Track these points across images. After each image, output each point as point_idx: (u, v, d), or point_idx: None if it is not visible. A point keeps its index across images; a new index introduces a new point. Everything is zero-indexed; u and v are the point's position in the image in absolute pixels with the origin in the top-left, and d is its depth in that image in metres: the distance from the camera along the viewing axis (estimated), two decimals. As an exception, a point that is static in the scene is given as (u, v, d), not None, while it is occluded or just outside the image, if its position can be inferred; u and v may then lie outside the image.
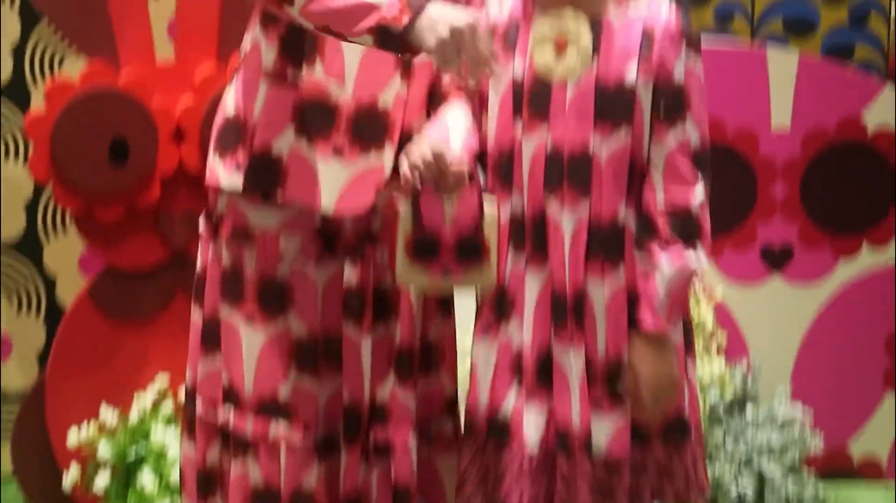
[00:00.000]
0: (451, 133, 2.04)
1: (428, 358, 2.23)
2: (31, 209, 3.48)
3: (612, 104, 2.05)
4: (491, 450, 2.12)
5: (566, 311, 2.06)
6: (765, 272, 3.49)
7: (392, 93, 2.10)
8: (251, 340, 2.13)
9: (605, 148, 2.04)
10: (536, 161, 2.07)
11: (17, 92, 3.42)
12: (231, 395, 2.16)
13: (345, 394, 2.15)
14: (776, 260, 3.51)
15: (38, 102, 3.32)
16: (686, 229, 2.05)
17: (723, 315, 3.42)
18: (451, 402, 2.26)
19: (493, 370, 2.10)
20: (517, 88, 2.09)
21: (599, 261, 2.06)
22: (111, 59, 3.06)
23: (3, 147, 3.43)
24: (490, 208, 2.01)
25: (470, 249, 1.98)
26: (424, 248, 1.97)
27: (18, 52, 3.41)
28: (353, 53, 2.08)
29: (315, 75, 2.10)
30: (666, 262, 2.03)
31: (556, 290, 2.06)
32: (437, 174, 1.93)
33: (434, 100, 2.16)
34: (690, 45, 2.08)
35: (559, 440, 2.07)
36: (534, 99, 2.07)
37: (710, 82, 3.09)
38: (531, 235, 2.08)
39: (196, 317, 2.22)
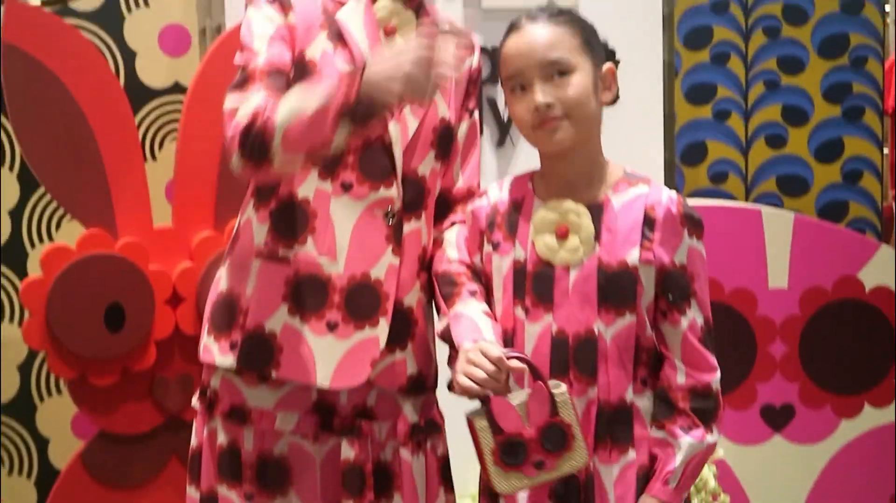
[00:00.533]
0: (481, 327, 2.05)
1: None
2: (24, 370, 3.45)
3: (615, 287, 2.05)
4: None
5: (578, 491, 2.06)
6: (766, 432, 3.46)
7: (384, 266, 2.12)
8: None
9: (611, 330, 2.05)
10: (541, 347, 2.07)
11: (15, 255, 3.41)
12: None
13: None
14: (777, 419, 3.48)
15: (34, 266, 3.31)
16: (706, 409, 2.07)
17: (725, 474, 3.39)
18: None
19: None
20: (519, 272, 2.10)
21: (608, 443, 2.05)
22: (108, 225, 3.07)
23: None
24: (558, 389, 2.00)
25: (554, 437, 1.97)
26: (511, 452, 1.96)
27: (16, 216, 3.41)
28: (343, 229, 2.11)
29: (307, 252, 2.12)
30: (685, 438, 2.05)
31: None
32: (499, 377, 1.94)
33: (427, 269, 2.18)
34: (692, 226, 2.09)
35: None
36: (537, 283, 2.08)
37: (707, 241, 3.16)
38: None
39: (192, 493, 2.19)
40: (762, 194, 3.75)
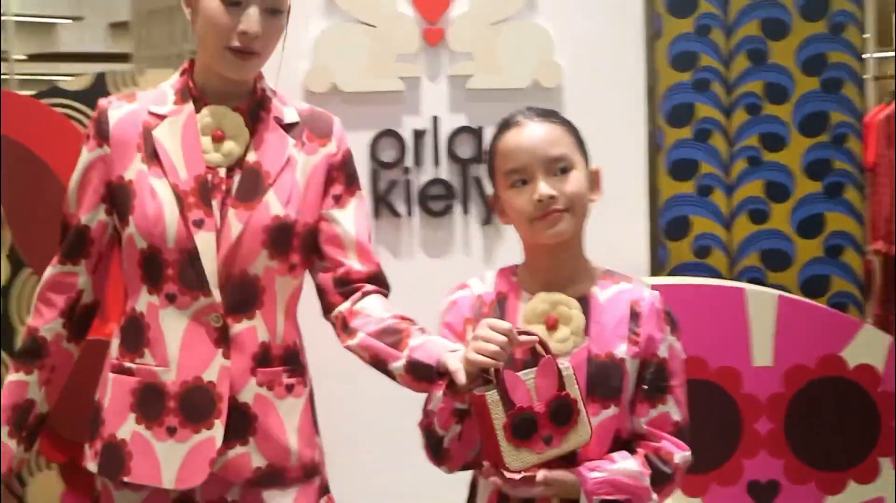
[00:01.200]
0: (454, 341, 2.15)
1: None
2: None
3: (603, 379, 2.09)
4: None
5: None
6: (752, 507, 3.47)
7: (216, 368, 2.25)
8: None
9: (595, 421, 2.06)
10: None
11: (3, 332, 3.35)
12: None
13: None
14: (763, 495, 3.46)
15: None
16: (661, 472, 2.10)
17: (712, 549, 3.38)
18: None
19: None
20: (525, 361, 2.09)
21: None
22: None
23: None
24: (563, 364, 2.04)
25: (562, 412, 2.01)
26: (522, 426, 1.98)
27: (4, 295, 3.36)
28: (173, 338, 2.26)
29: (145, 362, 2.29)
30: (630, 459, 2.09)
31: None
32: (508, 349, 1.99)
33: (266, 361, 2.29)
34: (672, 325, 2.15)
35: None
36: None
37: (692, 319, 3.08)
38: None
39: None
40: (745, 268, 3.78)
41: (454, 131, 3.48)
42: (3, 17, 7.00)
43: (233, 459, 2.25)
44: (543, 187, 2.07)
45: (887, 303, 5.52)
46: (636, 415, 2.12)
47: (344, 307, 2.31)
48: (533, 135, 2.12)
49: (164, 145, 2.27)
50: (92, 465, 2.31)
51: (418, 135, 3.47)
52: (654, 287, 3.23)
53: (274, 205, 2.27)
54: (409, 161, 3.47)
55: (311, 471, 2.34)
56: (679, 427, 2.14)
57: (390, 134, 3.45)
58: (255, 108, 2.32)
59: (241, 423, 2.26)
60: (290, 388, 2.31)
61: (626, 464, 2.08)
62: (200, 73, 2.33)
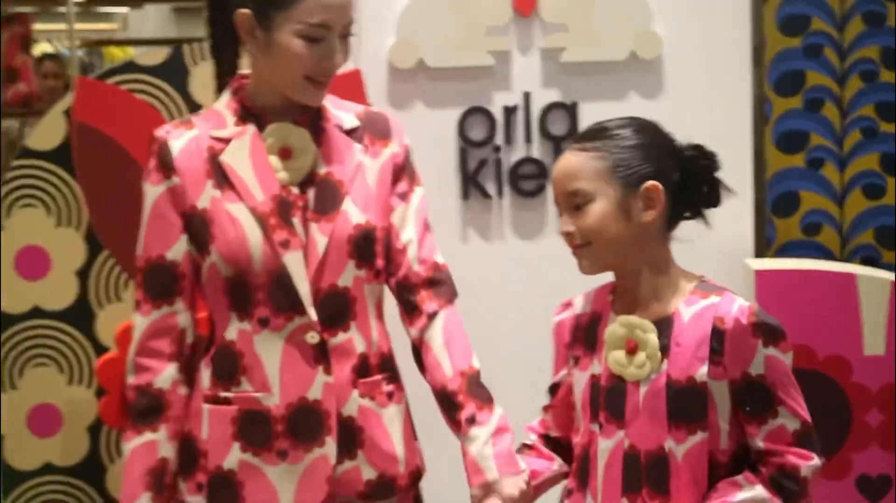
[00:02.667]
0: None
1: None
2: (94, 432, 3.47)
3: (685, 404, 2.10)
4: None
5: None
6: (862, 503, 3.43)
7: (319, 386, 2.28)
8: None
9: (682, 448, 2.08)
10: (613, 462, 2.13)
11: (82, 316, 3.44)
12: None
13: None
14: (874, 490, 3.44)
15: (102, 326, 3.41)
16: (789, 489, 2.08)
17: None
18: None
19: None
20: (594, 387, 2.17)
21: None
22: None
23: (68, 370, 3.46)
24: None
25: None
26: None
27: (83, 277, 3.45)
28: (271, 362, 2.28)
29: (244, 390, 2.30)
30: (757, 486, 2.08)
31: None
32: None
33: (365, 372, 2.33)
34: (768, 336, 2.09)
35: None
36: (609, 399, 2.15)
37: (800, 306, 3.21)
38: None
39: None
40: (858, 247, 3.69)
41: (546, 107, 3.50)
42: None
43: (343, 475, 2.30)
44: (561, 224, 2.16)
45: None
46: (750, 436, 2.11)
47: (414, 335, 2.37)
48: (558, 169, 2.19)
49: (235, 169, 2.30)
50: (196, 500, 2.32)
51: (509, 111, 3.49)
52: (757, 272, 3.40)
53: (353, 213, 2.30)
54: (499, 139, 3.50)
55: (417, 478, 2.40)
56: (800, 434, 2.10)
57: (479, 111, 3.49)
58: (316, 119, 2.35)
59: (348, 437, 2.30)
60: (390, 396, 2.35)
61: (747, 494, 2.08)
62: (257, 91, 2.35)
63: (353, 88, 3.15)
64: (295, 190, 2.31)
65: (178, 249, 2.32)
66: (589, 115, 3.45)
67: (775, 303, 3.34)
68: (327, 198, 2.31)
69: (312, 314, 2.27)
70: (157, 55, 3.38)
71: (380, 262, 2.35)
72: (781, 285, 3.40)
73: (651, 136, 2.17)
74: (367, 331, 2.34)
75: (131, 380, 2.34)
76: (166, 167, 2.31)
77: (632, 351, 2.13)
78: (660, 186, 2.12)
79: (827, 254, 3.68)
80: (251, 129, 2.32)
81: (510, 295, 3.53)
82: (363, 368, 2.32)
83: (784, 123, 3.65)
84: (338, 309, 2.31)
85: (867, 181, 3.67)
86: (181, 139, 2.33)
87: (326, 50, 2.27)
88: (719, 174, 2.18)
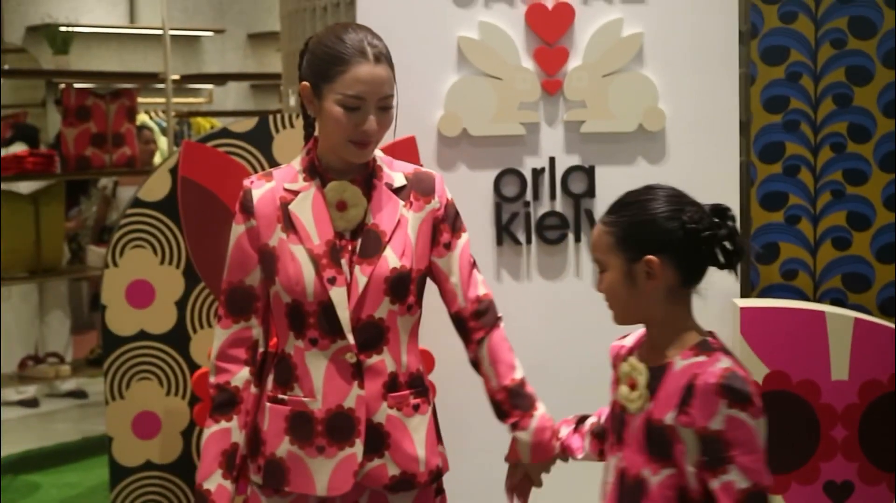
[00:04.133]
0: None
1: None
2: (187, 436, 3.78)
3: (657, 441, 2.22)
4: None
5: None
6: (828, 505, 3.61)
7: (353, 397, 2.53)
8: None
9: (656, 478, 2.22)
10: (614, 480, 2.32)
11: (180, 338, 3.76)
12: None
13: None
14: (838, 494, 3.61)
15: (196, 348, 3.72)
16: None
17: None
18: None
19: None
20: (616, 413, 2.36)
21: None
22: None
23: (167, 383, 3.77)
24: None
25: None
26: None
27: (181, 305, 3.77)
28: (318, 374, 2.54)
29: (296, 394, 2.56)
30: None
31: None
32: None
33: (394, 387, 2.57)
34: (733, 398, 2.12)
35: None
36: (616, 423, 2.34)
37: (776, 338, 3.36)
38: None
39: None
40: (828, 290, 3.83)
41: (568, 169, 3.64)
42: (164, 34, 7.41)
43: (371, 470, 2.54)
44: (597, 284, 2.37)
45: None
46: (708, 483, 2.15)
47: (470, 357, 2.66)
48: (591, 239, 2.40)
49: (299, 217, 2.53)
50: (257, 478, 2.58)
51: (537, 173, 3.63)
52: (742, 309, 3.50)
53: (392, 259, 2.53)
54: (528, 195, 3.63)
55: (437, 476, 2.62)
56: (747, 493, 2.10)
57: (512, 172, 3.63)
58: (370, 178, 2.57)
59: (377, 440, 2.54)
60: (416, 408, 2.59)
61: None
62: (324, 153, 2.58)
63: (409, 151, 3.38)
64: (346, 236, 2.53)
65: (254, 276, 2.56)
66: (604, 177, 3.60)
67: (757, 335, 3.56)
68: (371, 245, 2.52)
69: (351, 339, 2.50)
70: (247, 123, 3.72)
71: (412, 299, 2.56)
72: (763, 321, 3.58)
73: (662, 208, 2.22)
74: (398, 355, 2.55)
75: (212, 379, 2.58)
76: (247, 211, 2.55)
77: (632, 387, 2.27)
78: (656, 260, 2.21)
79: (802, 296, 3.84)
80: (316, 183, 2.54)
81: (535, 326, 3.61)
82: (392, 384, 2.54)
83: (766, 186, 3.84)
84: (373, 335, 2.53)
85: (836, 235, 3.85)
86: (261, 189, 2.55)
87: (361, 117, 2.45)
88: (727, 236, 2.19)
